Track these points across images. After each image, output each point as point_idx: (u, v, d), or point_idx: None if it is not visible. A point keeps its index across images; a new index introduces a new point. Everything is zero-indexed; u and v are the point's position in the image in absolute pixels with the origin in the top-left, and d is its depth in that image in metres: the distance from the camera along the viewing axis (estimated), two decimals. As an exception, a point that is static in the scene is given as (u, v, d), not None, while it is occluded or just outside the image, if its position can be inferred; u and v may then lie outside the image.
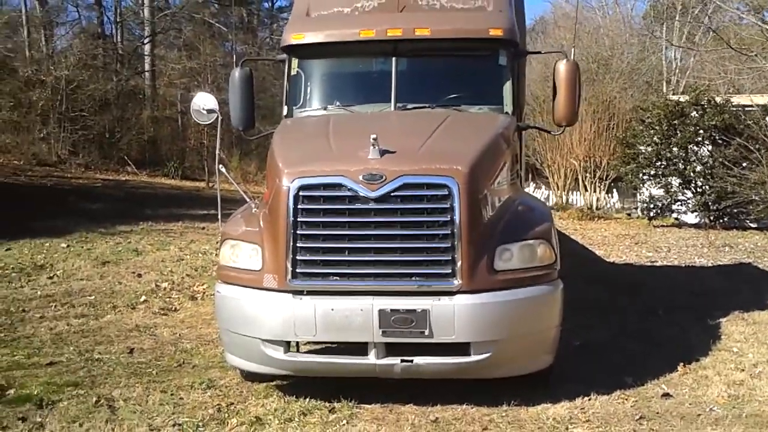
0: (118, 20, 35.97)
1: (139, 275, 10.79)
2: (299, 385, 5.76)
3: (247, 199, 6.24)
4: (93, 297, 9.45)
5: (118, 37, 36.45)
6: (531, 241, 5.42)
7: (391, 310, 5.08)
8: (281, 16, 47.29)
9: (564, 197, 25.58)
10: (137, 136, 30.85)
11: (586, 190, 25.22)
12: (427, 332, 5.07)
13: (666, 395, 5.71)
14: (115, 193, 21.47)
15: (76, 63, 28.00)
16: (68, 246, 12.78)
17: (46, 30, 31.86)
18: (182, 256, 12.44)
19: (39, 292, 9.64)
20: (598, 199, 25.17)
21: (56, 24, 34.57)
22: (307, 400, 5.54)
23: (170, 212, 18.53)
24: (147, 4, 36.07)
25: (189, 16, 36.74)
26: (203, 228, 16.15)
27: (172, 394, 5.83)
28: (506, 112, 6.60)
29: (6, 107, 24.98)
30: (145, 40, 36.17)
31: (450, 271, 5.12)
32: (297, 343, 5.58)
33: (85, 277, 10.60)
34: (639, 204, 23.01)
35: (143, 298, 9.43)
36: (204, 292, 9.84)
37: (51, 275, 10.67)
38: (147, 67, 35.67)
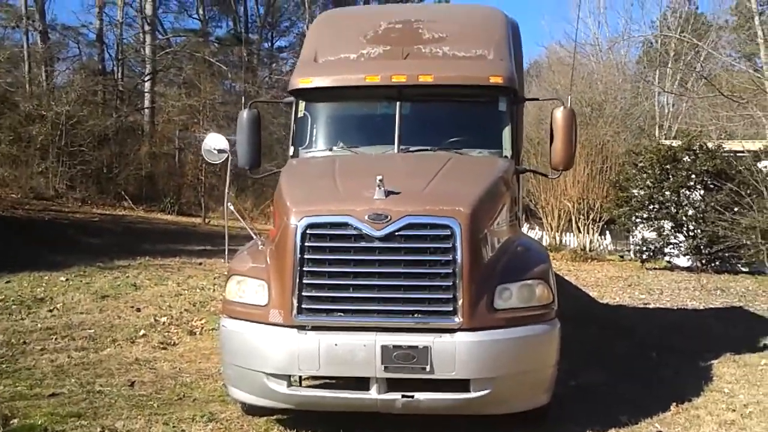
0: (119, 57, 36.46)
1: (138, 309, 10.86)
2: (300, 419, 5.85)
3: (254, 236, 6.39)
4: (93, 330, 9.53)
5: (119, 73, 36.91)
6: (530, 282, 5.60)
7: (394, 346, 5.21)
8: (281, 56, 48.07)
9: (557, 238, 25.80)
10: (135, 172, 31.06)
11: (580, 231, 25.45)
12: (428, 368, 5.21)
13: (659, 434, 5.85)
14: (113, 228, 21.56)
15: (76, 99, 28.32)
16: (67, 280, 12.87)
17: (47, 66, 32.25)
18: (180, 291, 12.50)
19: (39, 325, 9.71)
20: (591, 241, 25.38)
21: (57, 60, 35.02)
22: (309, 433, 5.65)
23: (167, 247, 18.60)
24: (149, 42, 36.63)
25: (189, 54, 37.29)
26: (200, 263, 16.22)
27: (174, 427, 5.91)
28: (505, 156, 6.82)
29: (5, 141, 25.17)
30: (146, 78, 36.62)
31: (451, 309, 5.27)
32: (300, 377, 5.70)
33: (85, 311, 10.67)
34: (632, 246, 23.26)
35: (142, 332, 9.50)
36: (203, 327, 9.92)
37: (51, 308, 10.73)
38: (147, 103, 36.06)
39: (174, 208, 29.94)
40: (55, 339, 9.02)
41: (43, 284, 12.40)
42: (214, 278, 13.94)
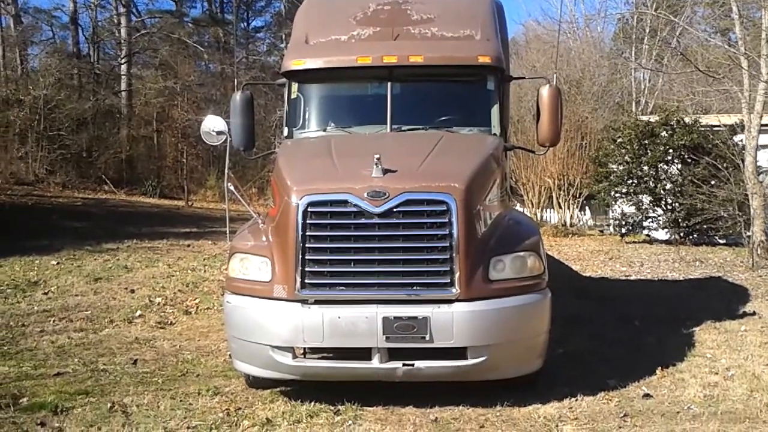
0: (94, 40, 36.12)
1: (132, 291, 11.02)
2: (304, 390, 6.07)
3: (254, 214, 6.58)
4: (89, 312, 9.68)
5: (95, 56, 36.60)
6: (522, 253, 5.85)
7: (395, 317, 5.44)
8: (257, 35, 47.85)
9: (538, 214, 26.13)
10: (114, 155, 31.00)
11: (560, 207, 25.80)
12: (427, 337, 5.45)
13: (647, 395, 6.13)
14: (96, 212, 21.61)
15: (53, 83, 28.12)
16: (58, 263, 12.97)
17: (21, 50, 31.91)
18: (172, 272, 12.65)
19: (36, 308, 9.87)
20: (571, 217, 25.75)
21: (31, 43, 34.63)
22: (313, 403, 5.85)
23: (153, 230, 18.74)
24: (123, 24, 36.32)
25: (165, 35, 37.03)
26: (188, 245, 16.35)
27: (181, 401, 6.10)
28: (494, 134, 7.03)
29: (-16, 127, 25.09)
30: (122, 60, 36.34)
31: (449, 280, 5.50)
32: (304, 349, 5.92)
33: (80, 293, 10.83)
34: (611, 221, 23.61)
35: (138, 312, 9.67)
36: (198, 307, 10.10)
37: (46, 291, 10.88)
38: (123, 86, 35.83)
39: (156, 191, 29.97)
40: (54, 321, 9.16)
41: (35, 268, 12.51)
42: (204, 259, 14.12)
